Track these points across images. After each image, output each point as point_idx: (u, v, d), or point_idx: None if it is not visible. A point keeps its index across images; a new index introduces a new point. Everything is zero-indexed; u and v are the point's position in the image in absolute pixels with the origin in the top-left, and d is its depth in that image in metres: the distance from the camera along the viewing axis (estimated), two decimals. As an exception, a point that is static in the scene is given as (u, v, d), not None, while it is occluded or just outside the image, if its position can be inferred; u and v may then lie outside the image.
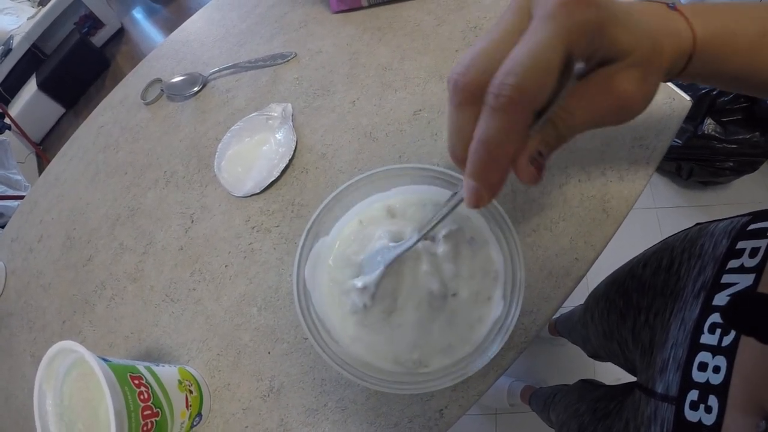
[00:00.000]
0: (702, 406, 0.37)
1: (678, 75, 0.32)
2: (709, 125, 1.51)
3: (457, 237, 0.42)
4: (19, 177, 2.13)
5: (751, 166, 1.57)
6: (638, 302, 0.58)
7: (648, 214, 1.74)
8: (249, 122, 0.66)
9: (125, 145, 0.74)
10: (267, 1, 0.83)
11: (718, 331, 0.39)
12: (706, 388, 0.38)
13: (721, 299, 0.41)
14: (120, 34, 3.01)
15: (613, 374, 0.91)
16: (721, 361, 0.37)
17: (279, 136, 0.64)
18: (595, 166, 0.56)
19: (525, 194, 0.54)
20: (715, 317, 0.40)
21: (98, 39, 2.89)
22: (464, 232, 0.42)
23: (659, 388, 0.45)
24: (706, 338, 0.40)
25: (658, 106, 0.60)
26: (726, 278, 0.42)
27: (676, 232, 0.58)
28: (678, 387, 0.41)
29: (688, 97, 0.60)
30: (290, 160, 0.62)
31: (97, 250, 0.66)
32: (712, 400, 0.36)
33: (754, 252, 0.40)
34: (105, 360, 0.41)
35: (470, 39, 0.68)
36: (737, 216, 0.48)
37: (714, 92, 1.45)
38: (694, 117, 1.53)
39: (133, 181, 0.69)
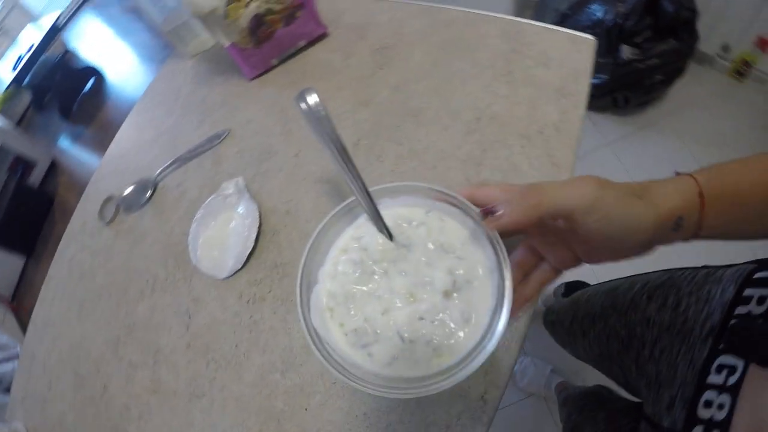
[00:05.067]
0: None
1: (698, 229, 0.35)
2: (626, 51, 1.59)
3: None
4: (3, 338, 2.07)
5: (677, 72, 1.66)
6: (642, 335, 0.60)
7: (604, 153, 1.81)
8: (209, 207, 0.68)
9: (100, 269, 0.75)
10: (185, 91, 0.86)
11: (725, 371, 0.42)
12: (710, 424, 0.41)
13: None
14: (54, 167, 2.99)
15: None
16: (725, 398, 0.40)
17: (240, 209, 0.66)
18: (530, 128, 0.61)
19: (478, 175, 0.58)
20: (722, 359, 0.43)
21: (34, 179, 2.86)
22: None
23: (666, 423, 0.49)
24: (713, 378, 0.43)
25: (567, 53, 0.65)
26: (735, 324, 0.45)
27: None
28: (684, 423, 0.45)
29: (590, 36, 0.66)
30: (259, 228, 0.64)
31: (109, 378, 0.66)
32: None
33: (761, 300, 0.43)
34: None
35: (380, 60, 0.72)
36: (744, 263, 0.50)
37: (618, 20, 1.54)
38: (609, 49, 1.61)
39: (120, 299, 0.70)
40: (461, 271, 0.40)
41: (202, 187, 0.73)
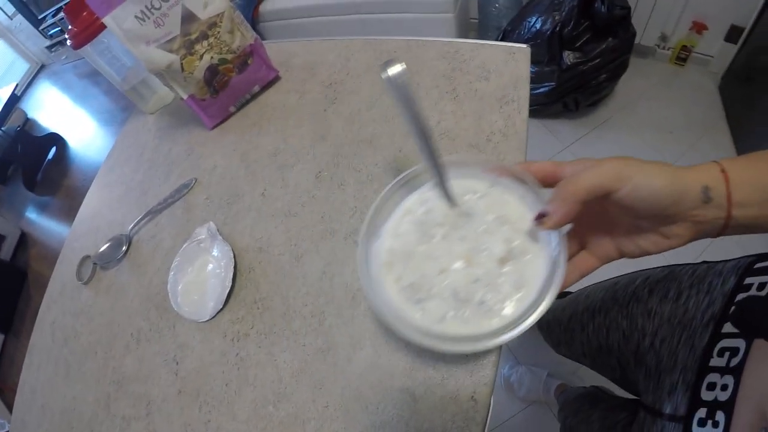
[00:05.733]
0: (710, 421, 0.42)
1: (726, 224, 0.35)
2: (569, 56, 1.68)
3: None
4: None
5: (621, 68, 1.76)
6: (643, 326, 0.62)
7: (564, 156, 1.88)
8: (184, 254, 0.70)
9: (83, 329, 0.75)
10: (150, 146, 0.88)
11: (727, 354, 0.44)
12: (714, 406, 0.42)
13: (729, 328, 0.46)
14: (24, 239, 2.94)
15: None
16: (728, 379, 0.42)
17: (215, 252, 0.68)
18: (479, 137, 0.65)
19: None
20: (724, 343, 0.45)
21: (5, 253, 2.81)
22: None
23: (667, 409, 0.50)
24: (716, 361, 0.45)
25: (504, 64, 0.70)
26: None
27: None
28: (687, 407, 0.46)
29: (524, 45, 0.71)
30: (235, 267, 0.66)
31: (103, 437, 0.66)
32: (720, 416, 0.41)
33: (761, 286, 0.46)
34: None
35: (331, 95, 0.76)
36: (743, 257, 0.52)
37: (557, 28, 1.63)
38: (553, 57, 1.70)
39: (106, 356, 0.71)
40: (517, 243, 0.42)
41: (175, 236, 0.75)
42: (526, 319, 0.38)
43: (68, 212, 2.77)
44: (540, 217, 0.38)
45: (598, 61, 1.67)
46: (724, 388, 0.42)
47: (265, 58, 0.82)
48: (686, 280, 0.59)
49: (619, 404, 0.73)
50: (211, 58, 0.76)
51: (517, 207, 0.44)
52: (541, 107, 1.86)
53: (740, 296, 0.48)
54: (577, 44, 1.67)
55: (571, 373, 1.45)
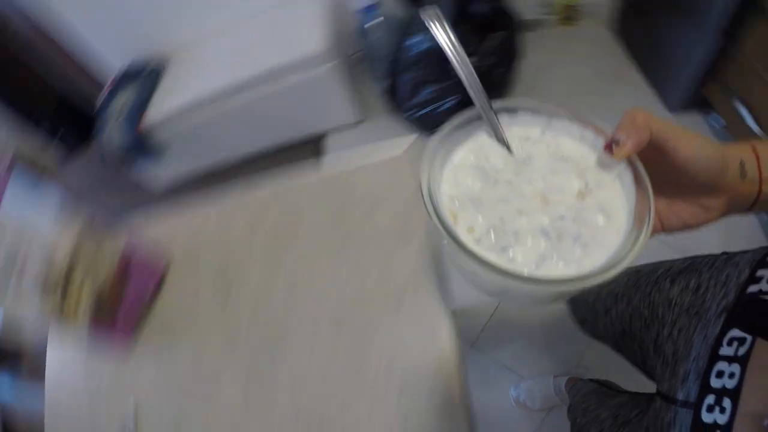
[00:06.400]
0: (717, 408, 0.43)
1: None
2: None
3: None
4: None
5: (514, 54, 1.75)
6: (663, 316, 0.63)
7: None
8: None
9: None
10: (79, 387, 0.79)
11: (735, 343, 0.45)
12: (721, 393, 0.43)
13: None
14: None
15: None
16: (735, 368, 0.43)
17: None
18: (394, 298, 0.58)
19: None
20: (734, 332, 0.46)
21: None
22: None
23: (680, 396, 0.51)
24: (725, 350, 0.46)
25: (391, 173, 0.63)
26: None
27: None
28: (697, 393, 0.47)
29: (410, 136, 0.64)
30: None
31: None
32: (726, 402, 0.42)
33: None
34: None
35: (224, 288, 0.69)
36: (761, 248, 0.54)
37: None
38: (447, 71, 1.65)
39: None
40: (590, 177, 0.40)
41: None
42: (638, 240, 0.34)
43: None
44: (609, 147, 0.37)
45: (493, 58, 1.64)
46: (732, 376, 0.43)
47: (143, 265, 0.75)
48: (706, 271, 0.59)
49: (628, 400, 0.73)
50: (88, 297, 0.68)
51: (577, 147, 0.42)
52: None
53: (751, 288, 0.48)
54: (468, 49, 1.61)
55: (575, 366, 1.44)
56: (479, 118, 0.41)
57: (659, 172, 0.38)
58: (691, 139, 0.36)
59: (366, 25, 1.87)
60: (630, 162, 0.38)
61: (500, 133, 0.41)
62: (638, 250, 0.34)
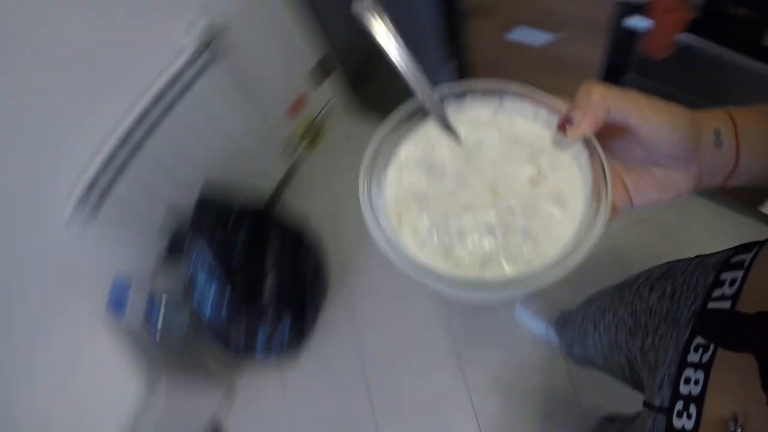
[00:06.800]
0: (685, 414, 0.43)
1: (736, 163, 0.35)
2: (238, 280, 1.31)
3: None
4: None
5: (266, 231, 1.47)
6: (646, 324, 0.62)
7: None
8: None
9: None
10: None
11: (701, 350, 0.45)
12: (688, 399, 0.43)
13: None
14: None
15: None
16: (700, 374, 0.43)
17: None
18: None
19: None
20: (699, 339, 0.46)
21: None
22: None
23: (657, 402, 0.51)
24: (692, 357, 0.46)
25: None
26: (710, 305, 0.48)
27: None
28: (669, 399, 0.47)
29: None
30: None
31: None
32: (692, 408, 0.42)
33: (732, 282, 0.46)
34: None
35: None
36: (727, 249, 0.53)
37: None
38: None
39: None
40: (544, 160, 0.37)
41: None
42: (592, 229, 0.32)
43: None
44: (563, 127, 0.35)
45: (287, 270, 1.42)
46: (697, 382, 0.43)
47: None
48: (680, 276, 0.59)
49: (632, 419, 0.73)
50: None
51: (531, 127, 0.39)
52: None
53: (715, 293, 0.49)
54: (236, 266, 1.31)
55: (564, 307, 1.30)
56: (424, 108, 0.38)
57: (624, 146, 0.37)
58: (657, 111, 0.33)
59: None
60: (586, 141, 0.35)
61: (447, 122, 0.38)
62: (593, 240, 0.31)
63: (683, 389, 0.45)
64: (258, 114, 1.50)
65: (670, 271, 0.64)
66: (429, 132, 0.40)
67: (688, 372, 0.45)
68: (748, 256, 0.46)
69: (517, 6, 1.21)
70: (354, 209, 0.36)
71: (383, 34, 0.34)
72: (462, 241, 0.35)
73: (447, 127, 0.38)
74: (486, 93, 0.40)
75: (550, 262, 0.32)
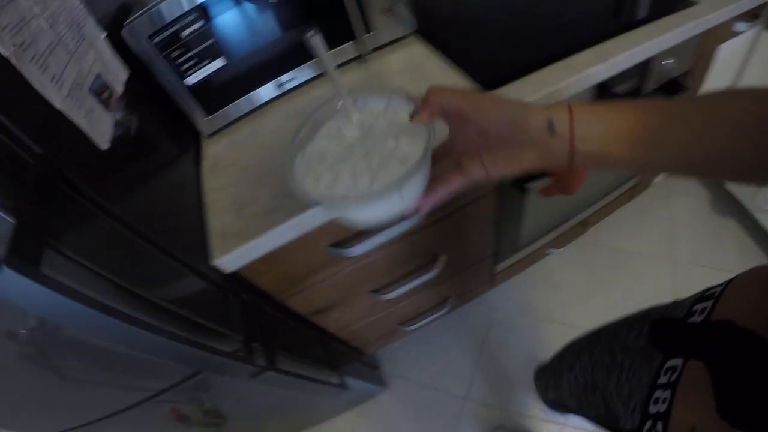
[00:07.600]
0: (653, 431, 0.47)
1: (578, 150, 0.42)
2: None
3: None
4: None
5: None
6: (622, 361, 0.65)
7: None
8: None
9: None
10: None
11: (670, 372, 0.49)
12: (656, 417, 0.47)
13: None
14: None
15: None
16: (667, 393, 0.47)
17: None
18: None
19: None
20: (670, 363, 0.50)
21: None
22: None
23: (629, 425, 0.55)
24: (662, 379, 0.50)
25: None
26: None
27: None
28: (639, 421, 0.51)
29: None
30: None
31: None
32: (659, 426, 0.46)
33: (702, 311, 0.51)
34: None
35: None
36: (704, 289, 0.57)
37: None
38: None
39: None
40: (403, 138, 0.51)
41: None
42: (419, 163, 0.47)
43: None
44: (412, 116, 0.48)
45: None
46: (664, 401, 0.47)
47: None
48: (657, 317, 0.63)
49: None
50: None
51: (403, 116, 0.53)
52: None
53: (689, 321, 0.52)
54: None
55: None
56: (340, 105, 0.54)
57: (473, 132, 0.46)
58: (490, 108, 0.44)
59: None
60: (427, 125, 0.48)
61: (348, 109, 0.54)
62: (414, 164, 0.46)
63: (652, 409, 0.49)
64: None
65: (648, 313, 0.67)
66: (340, 117, 0.55)
67: (658, 393, 0.49)
68: (718, 289, 0.52)
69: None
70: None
71: (322, 50, 0.50)
72: (340, 181, 0.50)
73: (349, 111, 0.54)
74: (382, 95, 0.55)
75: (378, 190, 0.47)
